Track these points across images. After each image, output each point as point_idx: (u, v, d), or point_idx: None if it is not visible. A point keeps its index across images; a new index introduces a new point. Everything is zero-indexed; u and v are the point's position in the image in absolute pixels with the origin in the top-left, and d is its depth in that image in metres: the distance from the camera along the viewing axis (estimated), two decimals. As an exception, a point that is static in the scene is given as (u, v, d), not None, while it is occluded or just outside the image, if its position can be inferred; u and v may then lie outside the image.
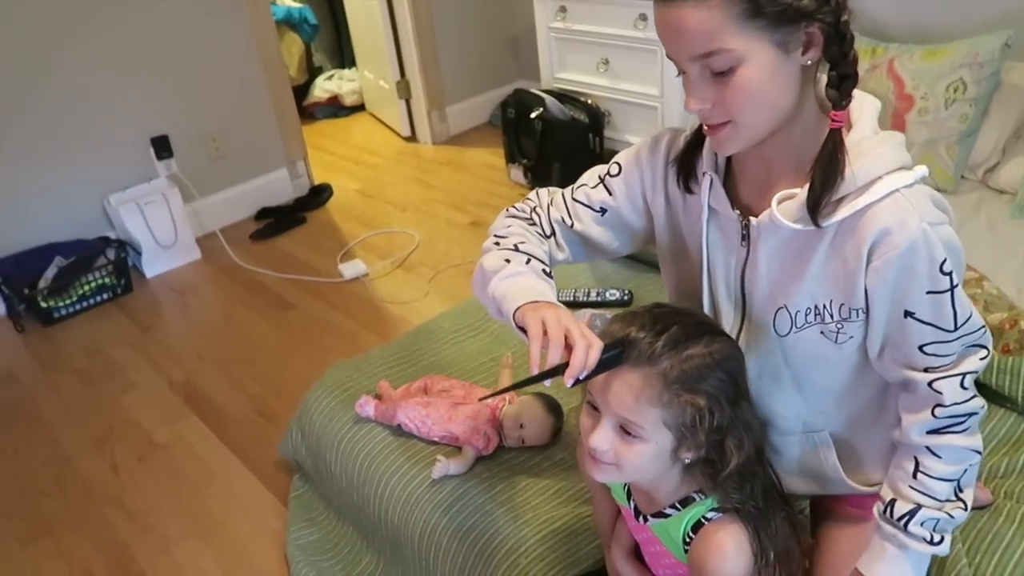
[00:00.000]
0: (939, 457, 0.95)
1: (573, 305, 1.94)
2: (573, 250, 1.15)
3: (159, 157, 3.13)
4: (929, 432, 0.95)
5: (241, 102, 3.33)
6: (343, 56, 4.90)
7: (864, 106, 0.91)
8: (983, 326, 0.93)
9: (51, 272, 2.80)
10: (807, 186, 0.89)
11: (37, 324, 2.81)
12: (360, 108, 4.61)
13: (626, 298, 1.94)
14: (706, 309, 1.07)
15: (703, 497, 0.99)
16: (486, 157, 3.78)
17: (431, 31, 3.80)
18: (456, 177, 3.64)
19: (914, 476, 0.96)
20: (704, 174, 0.99)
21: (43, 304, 2.77)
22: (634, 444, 0.92)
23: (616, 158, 1.13)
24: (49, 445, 2.23)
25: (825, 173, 0.86)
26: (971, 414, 0.94)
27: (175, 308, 2.89)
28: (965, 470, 0.97)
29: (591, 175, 1.15)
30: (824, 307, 0.94)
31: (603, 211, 1.12)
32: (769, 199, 0.92)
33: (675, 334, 0.91)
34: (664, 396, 0.89)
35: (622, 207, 1.11)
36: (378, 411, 1.61)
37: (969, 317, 0.91)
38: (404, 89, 3.96)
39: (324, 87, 4.62)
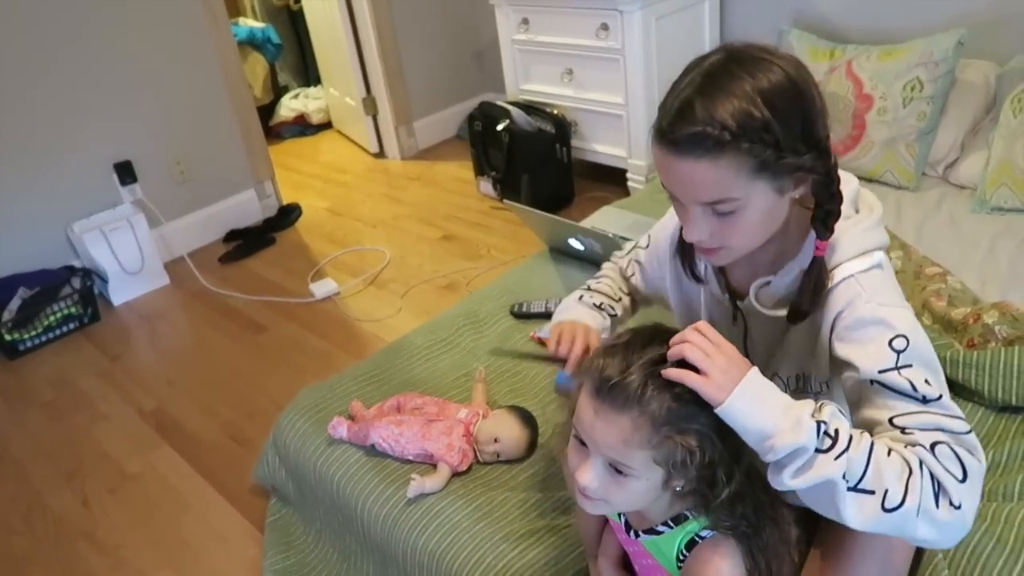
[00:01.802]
0: (888, 456, 0.83)
1: (545, 316, 1.94)
2: (634, 294, 1.37)
3: (123, 183, 3.09)
4: (901, 444, 0.85)
5: (205, 124, 3.30)
6: (308, 74, 4.88)
7: (843, 186, 0.97)
8: (963, 419, 0.86)
9: (15, 304, 2.75)
10: (782, 274, 1.00)
11: (2, 358, 2.75)
12: (327, 126, 4.59)
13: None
14: None
15: (696, 514, 0.97)
16: (455, 171, 3.77)
17: (395, 47, 3.80)
18: (425, 192, 3.63)
19: (861, 433, 0.86)
20: (700, 260, 1.12)
21: (7, 337, 2.71)
22: (624, 482, 0.90)
23: (650, 231, 1.31)
24: (17, 481, 2.18)
25: (812, 297, 0.96)
26: (941, 483, 0.82)
27: (144, 335, 2.85)
28: (873, 491, 0.81)
29: (644, 236, 1.33)
30: (807, 377, 1.04)
31: (642, 269, 1.32)
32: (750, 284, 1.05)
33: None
34: (654, 439, 0.87)
35: (649, 273, 1.31)
36: (351, 432, 1.60)
37: (939, 398, 0.87)
38: (370, 105, 3.95)
39: (290, 106, 4.59)
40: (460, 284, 2.81)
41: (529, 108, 3.16)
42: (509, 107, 3.15)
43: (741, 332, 1.11)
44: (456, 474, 1.49)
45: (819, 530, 1.17)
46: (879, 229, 0.98)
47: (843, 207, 0.96)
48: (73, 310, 2.84)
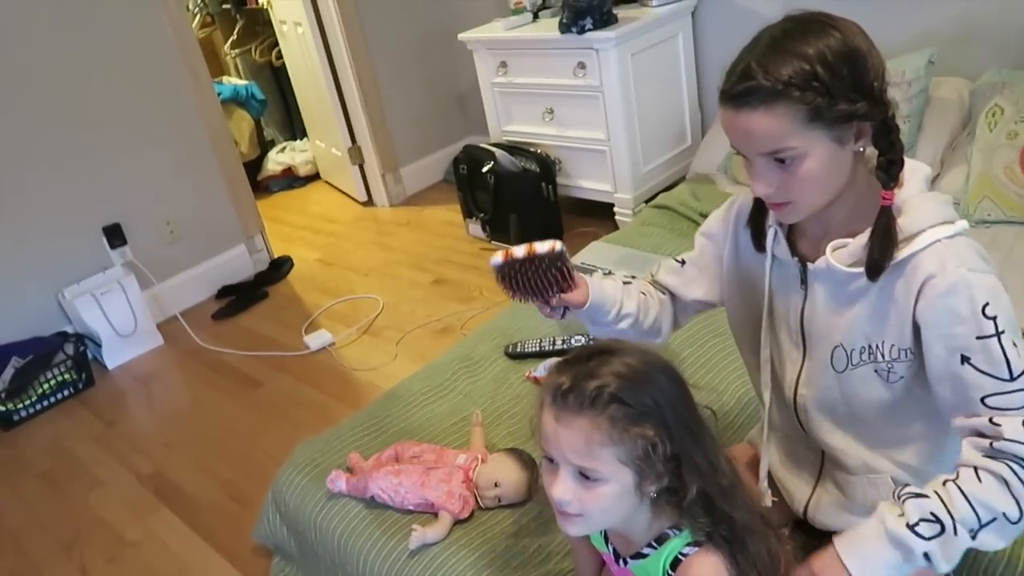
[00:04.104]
0: (980, 480, 0.91)
1: (540, 355, 1.93)
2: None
3: (112, 246, 3.10)
4: (984, 455, 0.93)
5: (193, 183, 3.32)
6: (294, 128, 4.93)
7: (915, 170, 1.02)
8: None
9: (8, 374, 2.74)
10: (860, 236, 0.99)
11: (-4, 429, 2.73)
12: (315, 177, 4.63)
13: (591, 343, 1.93)
14: (765, 349, 1.18)
15: (678, 532, 0.99)
16: (444, 214, 3.80)
17: (377, 96, 3.85)
18: (415, 237, 3.64)
19: (943, 483, 0.93)
20: (770, 227, 1.12)
21: (2, 408, 2.69)
22: (595, 488, 0.93)
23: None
24: (14, 555, 2.14)
25: (882, 245, 0.97)
26: None
27: (139, 397, 2.83)
28: (994, 519, 0.90)
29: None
30: (876, 347, 1.03)
31: (682, 263, 1.28)
32: (823, 249, 1.03)
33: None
34: (614, 435, 0.91)
35: (708, 252, 1.25)
36: (350, 485, 1.58)
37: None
38: (356, 155, 3.99)
39: (277, 160, 4.64)
40: (454, 327, 2.81)
41: (513, 149, 3.19)
42: (493, 149, 3.18)
43: (801, 301, 1.10)
44: (458, 521, 1.47)
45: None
46: (953, 209, 1.00)
47: (918, 186, 1.00)
48: (67, 376, 2.83)
